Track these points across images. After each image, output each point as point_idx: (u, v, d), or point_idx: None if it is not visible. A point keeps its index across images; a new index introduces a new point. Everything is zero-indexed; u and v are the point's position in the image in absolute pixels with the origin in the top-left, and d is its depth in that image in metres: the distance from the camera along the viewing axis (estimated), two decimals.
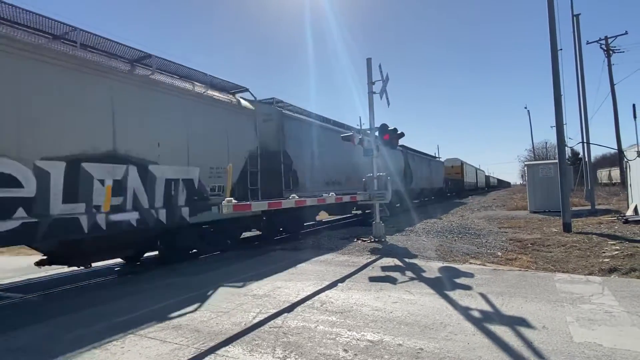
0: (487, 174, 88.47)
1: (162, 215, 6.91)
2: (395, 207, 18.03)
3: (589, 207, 16.68)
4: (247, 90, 9.88)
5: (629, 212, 13.64)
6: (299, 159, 11.08)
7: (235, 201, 6.58)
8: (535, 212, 16.69)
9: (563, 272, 6.35)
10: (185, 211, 7.36)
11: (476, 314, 4.19)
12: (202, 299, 5.18)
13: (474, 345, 3.37)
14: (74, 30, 6.16)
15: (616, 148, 24.37)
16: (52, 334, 4.07)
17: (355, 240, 9.81)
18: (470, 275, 5.92)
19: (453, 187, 40.67)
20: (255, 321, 4.20)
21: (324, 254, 8.20)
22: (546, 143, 69.31)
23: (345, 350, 3.37)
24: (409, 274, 6.21)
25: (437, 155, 35.62)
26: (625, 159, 15.86)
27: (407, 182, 21.07)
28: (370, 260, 7.44)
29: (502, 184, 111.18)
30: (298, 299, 5.00)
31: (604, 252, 7.65)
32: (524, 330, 3.65)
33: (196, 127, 7.81)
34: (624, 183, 19.56)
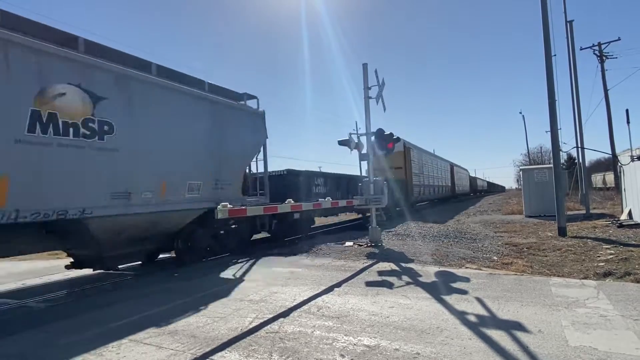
0: (473, 174, 68.81)
1: None
2: None
3: (583, 212, 16.78)
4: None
5: (623, 216, 13.74)
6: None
7: (230, 206, 6.59)
8: (530, 217, 16.78)
9: (558, 276, 6.38)
10: None
11: (472, 318, 4.20)
12: (199, 304, 5.16)
13: (470, 350, 3.38)
14: None
15: (610, 153, 24.55)
16: (47, 340, 4.04)
17: (352, 244, 9.81)
18: (466, 279, 5.94)
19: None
20: (251, 326, 4.19)
21: (320, 259, 8.20)
22: (541, 147, 69.76)
23: (342, 356, 3.37)
24: (406, 278, 6.21)
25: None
26: (619, 164, 16.00)
27: None
28: (366, 264, 7.44)
29: (494, 188, 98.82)
30: (294, 303, 5.00)
31: (598, 256, 7.71)
32: (519, 335, 3.66)
33: None
34: (618, 187, 19.70)
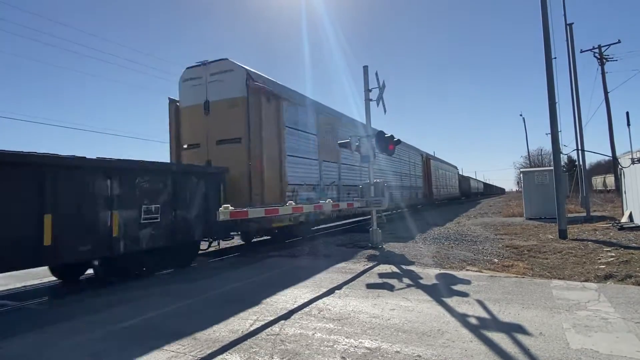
0: (468, 174, 62.99)
1: None
2: None
3: (584, 214, 16.77)
4: None
5: (624, 219, 13.73)
6: None
7: (232, 208, 6.58)
8: (531, 219, 16.77)
9: (559, 278, 6.38)
10: None
11: (473, 320, 4.20)
12: (199, 306, 5.16)
13: (472, 352, 3.38)
14: None
15: (610, 155, 24.56)
16: (48, 342, 4.03)
17: (352, 247, 9.80)
18: (467, 282, 5.94)
19: None
20: (252, 329, 4.19)
21: (321, 261, 8.19)
22: (541, 150, 69.87)
23: (343, 358, 3.37)
24: (406, 280, 6.21)
25: None
26: (620, 166, 15.99)
27: None
28: (367, 267, 7.43)
29: (492, 190, 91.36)
30: (295, 306, 4.99)
31: (599, 259, 7.70)
32: (521, 337, 3.66)
33: None
34: (618, 190, 19.70)
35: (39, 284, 7.53)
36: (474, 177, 71.73)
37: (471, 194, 52.55)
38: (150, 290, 6.20)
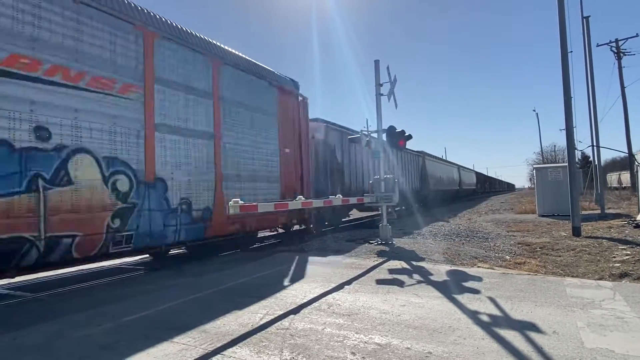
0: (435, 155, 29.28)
1: None
2: None
3: (598, 211, 16.51)
4: None
5: None
6: None
7: (242, 202, 6.60)
8: (544, 216, 16.55)
9: (573, 276, 6.28)
10: None
11: (485, 318, 4.15)
12: (209, 300, 5.19)
13: (483, 350, 3.33)
14: None
15: (626, 151, 24.05)
16: (62, 333, 4.09)
17: (362, 242, 9.77)
18: (478, 279, 5.87)
19: None
20: (262, 322, 4.19)
21: (330, 256, 8.18)
22: (555, 146, 68.80)
23: (353, 353, 3.35)
24: (417, 277, 6.16)
25: None
26: (636, 163, 15.67)
27: None
28: (377, 262, 7.40)
29: (493, 185, 78.65)
30: (305, 300, 4.99)
31: (614, 257, 7.56)
32: (534, 335, 3.60)
33: None
34: (634, 187, 19.32)
35: (50, 276, 7.65)
36: (450, 162, 38.43)
37: (439, 193, 28.46)
38: (159, 284, 6.25)
